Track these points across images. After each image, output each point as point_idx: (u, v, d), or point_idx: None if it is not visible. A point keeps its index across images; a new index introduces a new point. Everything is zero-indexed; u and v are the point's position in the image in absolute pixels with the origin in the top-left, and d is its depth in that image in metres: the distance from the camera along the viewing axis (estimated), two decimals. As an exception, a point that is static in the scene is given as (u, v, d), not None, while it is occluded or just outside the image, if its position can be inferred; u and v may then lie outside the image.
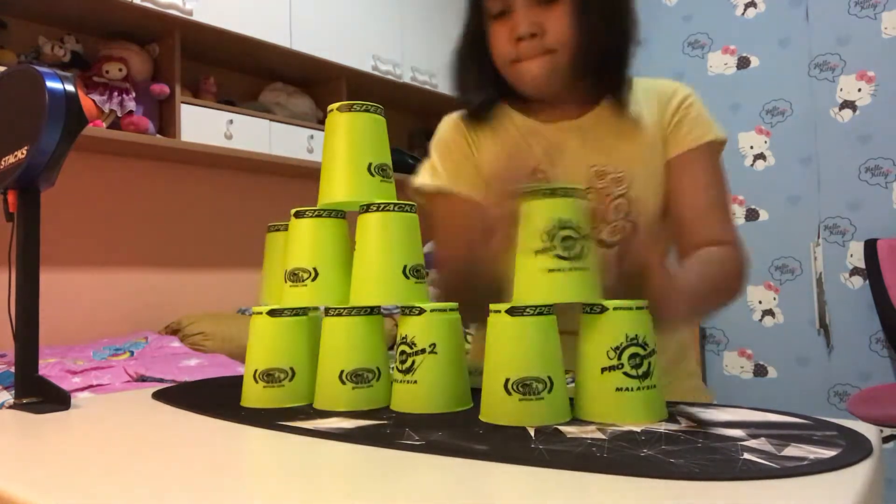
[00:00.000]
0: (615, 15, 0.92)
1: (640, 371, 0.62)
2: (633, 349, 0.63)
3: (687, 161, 0.95)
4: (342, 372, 0.71)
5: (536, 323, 0.63)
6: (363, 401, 0.72)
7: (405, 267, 0.73)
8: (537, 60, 0.90)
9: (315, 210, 0.79)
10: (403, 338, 0.70)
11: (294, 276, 0.78)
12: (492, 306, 0.65)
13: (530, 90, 0.95)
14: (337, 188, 0.78)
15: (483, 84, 0.99)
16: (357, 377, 0.72)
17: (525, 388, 0.61)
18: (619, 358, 0.62)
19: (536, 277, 0.66)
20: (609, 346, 0.63)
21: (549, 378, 0.62)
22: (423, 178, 1.06)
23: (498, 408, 0.62)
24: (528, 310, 0.63)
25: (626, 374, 0.62)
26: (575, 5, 0.89)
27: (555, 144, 0.97)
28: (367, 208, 0.75)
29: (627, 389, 0.62)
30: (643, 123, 0.96)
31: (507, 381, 0.62)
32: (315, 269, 0.77)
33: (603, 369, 0.63)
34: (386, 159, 0.81)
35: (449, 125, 1.07)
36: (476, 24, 0.97)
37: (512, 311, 0.63)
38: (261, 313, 0.77)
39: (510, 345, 0.63)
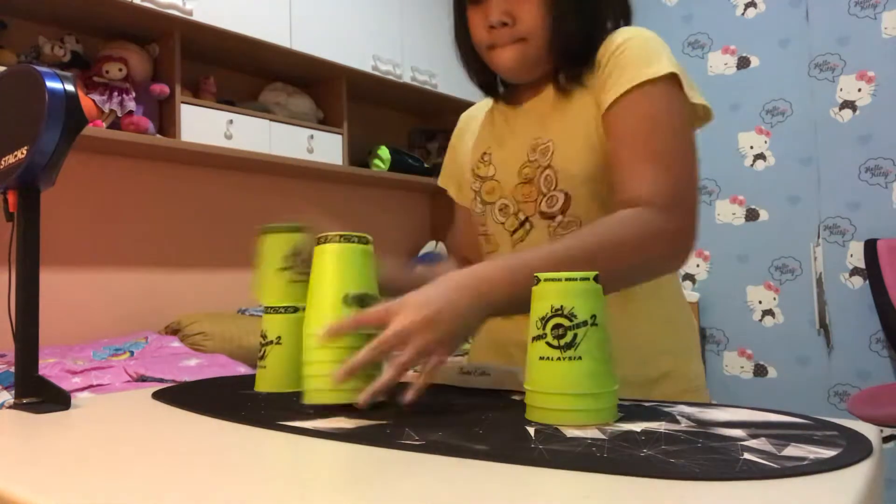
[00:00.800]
0: (588, 3, 0.91)
1: (562, 342, 0.63)
2: (556, 320, 0.63)
3: (614, 114, 0.85)
4: None
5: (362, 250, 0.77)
6: None
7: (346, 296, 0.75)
8: (509, 49, 0.91)
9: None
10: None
11: None
12: (321, 236, 0.77)
13: (505, 76, 0.97)
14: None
15: (479, 66, 1.01)
16: None
17: (361, 301, 0.74)
18: (544, 328, 0.64)
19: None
20: (537, 317, 0.64)
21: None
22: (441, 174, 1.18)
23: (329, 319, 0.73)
24: (354, 238, 0.77)
25: (548, 343, 0.63)
26: None
27: (512, 126, 1.00)
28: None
29: (548, 359, 0.63)
30: (583, 88, 0.91)
31: (347, 296, 0.74)
32: None
33: (533, 338, 0.65)
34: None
35: (460, 119, 1.15)
36: (459, 9, 0.99)
37: (341, 238, 0.77)
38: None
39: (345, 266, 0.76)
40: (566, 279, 0.64)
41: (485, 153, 1.02)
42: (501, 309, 0.72)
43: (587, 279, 0.64)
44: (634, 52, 0.86)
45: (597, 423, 0.62)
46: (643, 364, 0.91)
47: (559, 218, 0.92)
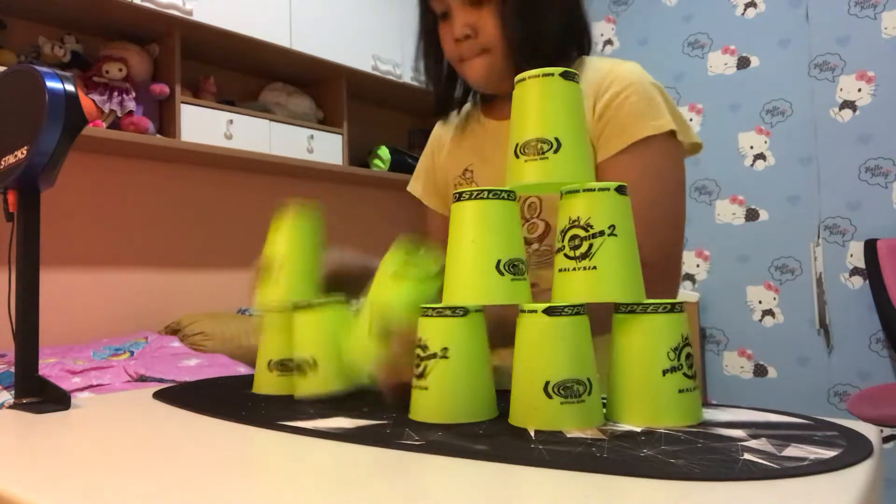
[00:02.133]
0: (542, 8, 0.90)
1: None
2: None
3: (612, 169, 0.86)
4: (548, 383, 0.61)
5: (575, 322, 0.61)
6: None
7: (499, 262, 0.65)
8: (477, 60, 0.92)
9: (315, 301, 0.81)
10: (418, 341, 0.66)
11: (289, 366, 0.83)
12: (525, 306, 0.62)
13: (477, 88, 0.98)
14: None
15: (439, 81, 1.01)
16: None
17: (566, 390, 0.59)
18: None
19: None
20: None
21: (588, 380, 0.60)
22: (411, 182, 1.16)
23: (535, 412, 0.60)
24: (566, 309, 0.60)
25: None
26: (501, 4, 0.89)
27: (495, 142, 0.99)
28: (458, 197, 0.67)
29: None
30: None
31: (548, 383, 0.59)
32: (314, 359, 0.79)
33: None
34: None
35: (434, 130, 1.13)
36: (427, 23, 0.99)
37: (550, 311, 0.60)
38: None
39: (549, 346, 0.60)
40: (584, 189, 0.63)
41: (466, 169, 1.01)
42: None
43: (606, 189, 0.62)
44: (635, 106, 0.86)
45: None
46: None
47: (535, 246, 0.93)
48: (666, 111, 0.87)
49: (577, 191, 0.64)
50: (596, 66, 0.94)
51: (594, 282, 0.62)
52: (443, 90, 1.02)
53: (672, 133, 0.87)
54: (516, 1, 0.89)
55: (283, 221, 0.88)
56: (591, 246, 0.62)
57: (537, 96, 0.67)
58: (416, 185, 1.15)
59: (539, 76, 0.67)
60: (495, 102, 1.01)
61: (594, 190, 0.63)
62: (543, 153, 0.65)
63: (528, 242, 0.93)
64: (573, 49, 0.96)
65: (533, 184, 0.66)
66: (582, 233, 0.62)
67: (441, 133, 1.11)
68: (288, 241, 0.87)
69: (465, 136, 1.04)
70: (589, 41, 0.97)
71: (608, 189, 0.63)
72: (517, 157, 0.67)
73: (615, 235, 0.62)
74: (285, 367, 0.83)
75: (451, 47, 0.94)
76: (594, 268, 0.62)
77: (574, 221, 0.63)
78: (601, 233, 0.62)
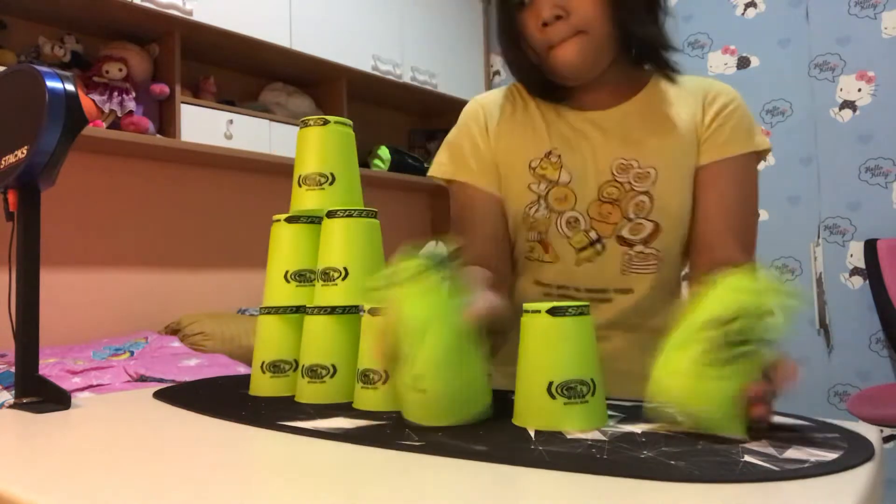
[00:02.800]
0: None
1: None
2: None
3: (717, 172, 0.90)
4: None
5: (579, 323, 0.61)
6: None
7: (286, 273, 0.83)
8: (570, 44, 0.85)
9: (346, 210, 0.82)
10: None
11: (325, 276, 0.80)
12: (528, 306, 0.62)
13: (569, 76, 0.89)
14: None
15: (526, 70, 0.94)
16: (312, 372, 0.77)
17: (570, 391, 0.60)
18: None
19: None
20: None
21: (592, 380, 0.61)
22: (439, 165, 1.01)
23: (539, 412, 0.60)
24: (570, 310, 0.61)
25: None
26: None
27: (580, 131, 0.93)
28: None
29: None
30: (679, 120, 0.92)
31: (551, 384, 0.59)
32: (345, 269, 0.79)
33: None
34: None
35: (468, 112, 1.02)
36: (505, 15, 0.92)
37: (553, 312, 0.61)
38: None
39: (553, 346, 0.61)
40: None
41: (550, 152, 0.93)
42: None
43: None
44: (743, 117, 0.93)
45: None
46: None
47: (639, 248, 0.91)
48: (761, 131, 0.93)
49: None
50: (687, 77, 0.96)
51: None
52: (534, 79, 0.95)
53: (761, 154, 0.93)
54: None
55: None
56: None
57: (318, 138, 0.84)
58: (452, 167, 1.00)
59: (320, 123, 0.84)
60: (567, 92, 0.94)
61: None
62: (321, 184, 0.83)
63: (629, 244, 0.91)
64: (669, 38, 0.92)
65: (314, 209, 0.83)
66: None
67: (488, 109, 1.00)
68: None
69: (533, 120, 0.96)
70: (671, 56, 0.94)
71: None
72: (299, 186, 0.85)
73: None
74: (279, 368, 0.83)
75: (536, 35, 0.87)
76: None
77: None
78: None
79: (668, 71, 0.92)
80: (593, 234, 0.91)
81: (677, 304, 0.92)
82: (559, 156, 0.93)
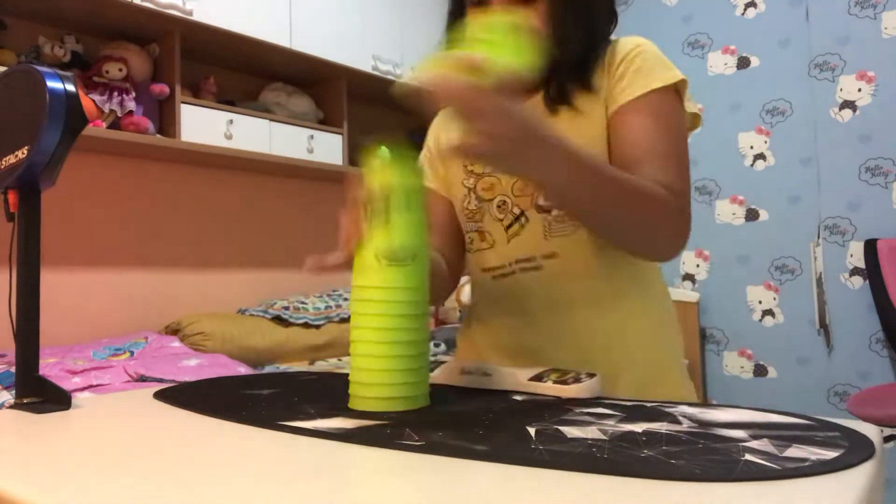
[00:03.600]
0: (590, 15, 0.92)
1: None
2: None
3: (624, 115, 0.89)
4: None
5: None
6: None
7: None
8: None
9: None
10: None
11: None
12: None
13: None
14: None
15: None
16: None
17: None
18: None
19: None
20: None
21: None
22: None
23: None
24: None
25: None
26: (553, 5, 0.89)
27: None
28: None
29: None
30: (591, 93, 0.92)
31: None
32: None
33: None
34: None
35: (436, 122, 1.13)
36: (456, 10, 0.99)
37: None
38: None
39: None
40: None
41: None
42: (555, 170, 0.71)
43: None
44: (649, 59, 0.91)
45: None
46: (634, 364, 0.92)
47: (555, 212, 0.93)
48: (675, 68, 0.91)
49: None
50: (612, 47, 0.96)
51: None
52: None
53: (680, 84, 0.90)
54: (578, 6, 0.90)
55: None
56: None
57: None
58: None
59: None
60: None
61: None
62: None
63: (546, 210, 0.93)
64: (608, 33, 0.96)
65: None
66: None
67: (442, 119, 1.12)
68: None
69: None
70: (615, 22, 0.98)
71: None
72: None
73: None
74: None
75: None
76: None
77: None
78: None
79: (586, 82, 0.92)
80: (516, 210, 0.96)
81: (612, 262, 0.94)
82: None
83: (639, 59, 0.91)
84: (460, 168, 1.02)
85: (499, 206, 0.98)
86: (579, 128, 0.91)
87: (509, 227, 0.97)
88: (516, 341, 0.97)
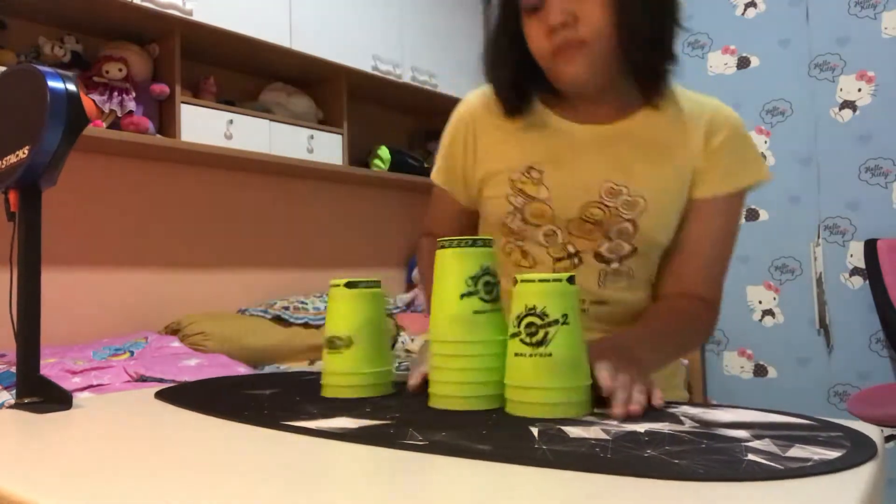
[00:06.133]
0: (660, 6, 0.86)
1: (534, 339, 0.66)
2: (529, 318, 0.66)
3: (709, 208, 0.92)
4: None
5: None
6: None
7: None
8: (573, 55, 0.85)
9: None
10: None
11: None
12: (335, 281, 0.81)
13: (569, 87, 0.89)
14: None
15: (514, 80, 0.94)
16: None
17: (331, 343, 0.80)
18: (519, 326, 0.67)
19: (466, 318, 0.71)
20: (514, 316, 0.68)
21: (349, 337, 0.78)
22: (434, 169, 1.10)
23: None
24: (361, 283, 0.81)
25: (522, 340, 0.66)
26: None
27: (571, 146, 0.93)
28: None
29: (522, 355, 0.66)
30: (676, 147, 0.91)
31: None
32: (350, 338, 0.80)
33: (510, 336, 0.68)
34: None
35: (459, 117, 1.04)
36: (508, 19, 0.92)
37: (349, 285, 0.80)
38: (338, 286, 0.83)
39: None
40: (539, 280, 0.67)
41: (532, 168, 0.94)
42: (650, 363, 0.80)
43: (559, 280, 0.66)
44: (746, 150, 0.93)
45: (567, 415, 0.64)
46: None
47: (615, 265, 0.93)
48: (761, 158, 0.94)
49: (533, 280, 0.68)
50: (693, 98, 0.94)
51: (548, 368, 0.66)
52: (509, 93, 0.95)
53: (762, 182, 0.94)
54: None
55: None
56: (546, 334, 0.66)
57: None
58: (437, 171, 1.08)
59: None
60: (568, 102, 0.94)
61: (549, 280, 0.67)
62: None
63: (606, 261, 0.93)
64: (671, 63, 0.89)
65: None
66: (538, 321, 0.66)
67: (478, 117, 1.01)
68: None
69: (527, 129, 0.96)
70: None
71: (560, 280, 0.67)
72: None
73: (567, 324, 0.66)
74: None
75: (541, 42, 0.86)
76: (549, 355, 0.65)
77: (530, 309, 0.67)
78: (556, 321, 0.66)
79: (653, 98, 0.91)
80: (571, 248, 0.93)
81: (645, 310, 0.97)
82: (540, 171, 0.93)
83: (741, 147, 0.92)
84: (506, 181, 0.96)
85: (546, 235, 0.94)
86: (669, 175, 0.91)
87: (559, 260, 0.94)
88: None
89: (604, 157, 0.91)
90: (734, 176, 0.91)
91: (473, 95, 1.04)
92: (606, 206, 0.90)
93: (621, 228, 0.91)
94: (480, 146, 1.00)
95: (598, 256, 0.92)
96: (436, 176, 1.08)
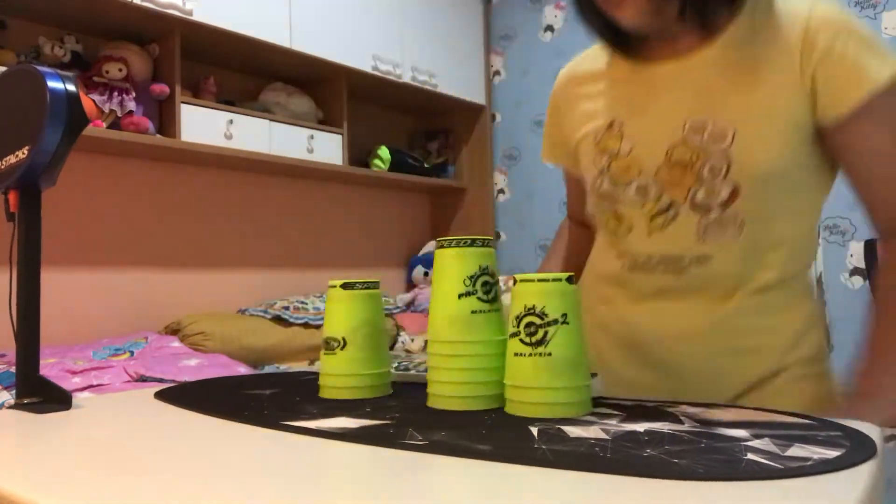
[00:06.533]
0: None
1: (534, 339, 0.66)
2: (529, 318, 0.67)
3: (856, 123, 0.78)
4: None
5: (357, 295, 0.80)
6: None
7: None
8: (627, 2, 0.80)
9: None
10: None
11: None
12: (332, 281, 0.82)
13: (631, 30, 0.85)
14: None
15: (600, 25, 0.89)
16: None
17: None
18: (518, 326, 0.67)
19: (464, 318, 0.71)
20: (513, 315, 0.68)
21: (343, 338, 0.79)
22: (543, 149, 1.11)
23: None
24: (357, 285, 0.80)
25: (521, 340, 0.67)
26: None
27: (650, 90, 0.87)
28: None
29: (522, 355, 0.67)
30: (769, 68, 0.80)
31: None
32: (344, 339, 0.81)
33: (510, 335, 0.68)
34: None
35: (554, 92, 1.05)
36: None
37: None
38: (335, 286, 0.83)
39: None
40: (539, 280, 0.67)
41: (612, 123, 0.89)
42: None
43: (559, 280, 0.67)
44: (861, 47, 0.77)
45: (566, 415, 0.65)
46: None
47: (715, 213, 0.82)
48: (882, 46, 0.77)
49: (532, 280, 0.68)
50: (780, 7, 0.82)
51: (548, 367, 0.66)
52: (607, 37, 0.90)
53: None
54: None
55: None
56: (545, 333, 0.66)
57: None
58: (546, 151, 1.09)
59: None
60: (645, 43, 0.88)
61: (548, 280, 0.67)
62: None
63: (705, 209, 0.83)
64: None
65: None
66: (537, 320, 0.67)
67: (568, 83, 1.00)
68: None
69: (611, 86, 0.92)
70: None
71: (560, 280, 0.67)
72: None
73: (567, 324, 0.66)
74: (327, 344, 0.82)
75: None
76: (549, 354, 0.66)
77: (529, 309, 0.67)
78: (555, 321, 0.66)
79: (707, 23, 0.82)
80: (665, 199, 0.85)
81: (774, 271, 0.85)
82: (621, 123, 0.88)
83: (852, 43, 0.77)
84: (592, 144, 0.92)
85: (638, 191, 0.87)
86: (762, 98, 0.80)
87: (654, 217, 0.86)
88: (631, 335, 0.91)
89: (683, 93, 0.84)
90: (861, 77, 0.77)
91: (564, 68, 1.04)
92: (688, 142, 0.83)
93: (712, 165, 0.81)
94: (567, 118, 0.99)
95: (694, 205, 0.83)
96: (543, 156, 1.10)
